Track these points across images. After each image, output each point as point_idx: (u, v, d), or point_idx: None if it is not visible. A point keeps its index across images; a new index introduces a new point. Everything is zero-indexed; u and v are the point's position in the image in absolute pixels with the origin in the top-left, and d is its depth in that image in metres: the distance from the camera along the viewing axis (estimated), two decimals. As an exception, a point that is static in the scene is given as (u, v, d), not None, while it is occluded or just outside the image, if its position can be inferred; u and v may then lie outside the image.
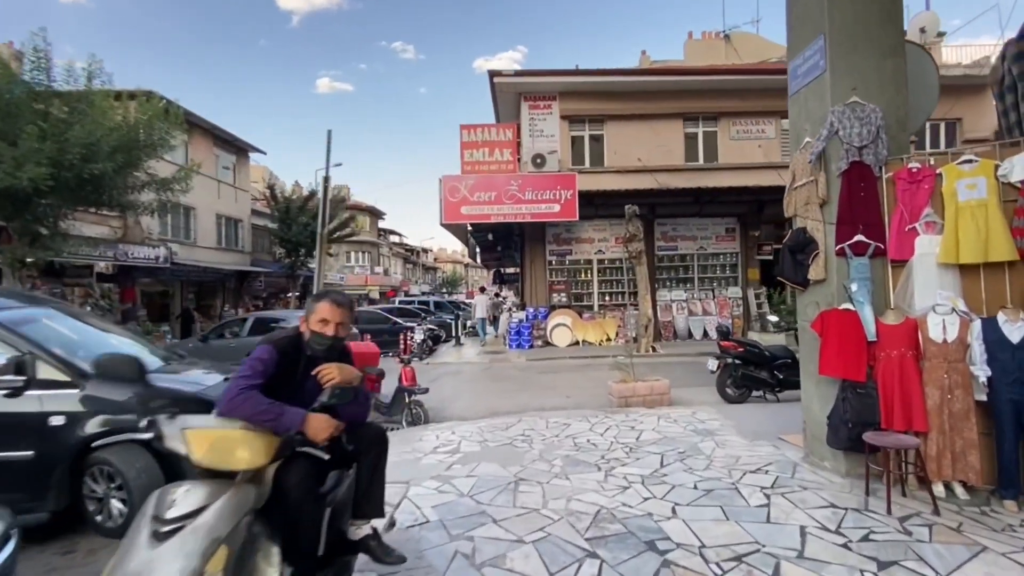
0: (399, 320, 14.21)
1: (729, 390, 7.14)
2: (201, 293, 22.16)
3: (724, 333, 7.30)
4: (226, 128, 21.87)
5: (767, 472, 4.07)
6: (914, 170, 3.70)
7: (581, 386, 8.71)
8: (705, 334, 14.37)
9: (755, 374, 6.99)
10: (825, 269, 4.03)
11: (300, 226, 22.43)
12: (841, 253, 3.85)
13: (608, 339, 13.95)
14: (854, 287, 3.74)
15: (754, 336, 11.99)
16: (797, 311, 4.50)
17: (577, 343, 13.91)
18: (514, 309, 14.79)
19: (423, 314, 17.42)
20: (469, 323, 18.24)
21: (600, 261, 14.89)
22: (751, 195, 13.99)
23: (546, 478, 4.09)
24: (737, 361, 7.04)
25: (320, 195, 13.56)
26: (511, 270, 27.57)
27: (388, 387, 6.37)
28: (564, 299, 14.82)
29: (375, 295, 38.92)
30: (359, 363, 2.39)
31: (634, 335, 13.54)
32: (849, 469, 3.84)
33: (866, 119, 3.78)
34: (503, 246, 18.68)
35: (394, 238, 52.84)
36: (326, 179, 13.08)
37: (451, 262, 72.09)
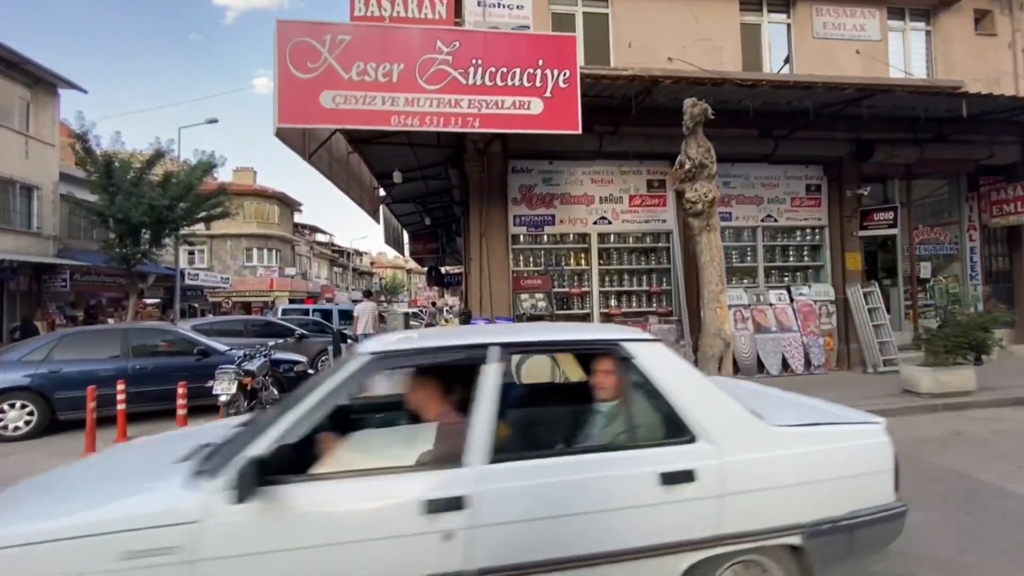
0: (218, 348, 7.05)
1: None
2: (-43, 298, 13.92)
3: None
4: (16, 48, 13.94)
5: None
6: None
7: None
8: (785, 365, 8.23)
9: None
10: None
11: (135, 199, 14.63)
12: None
13: (625, 377, 7.48)
14: None
15: (931, 378, 5.92)
16: None
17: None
18: (449, 318, 7.98)
19: (296, 333, 10.26)
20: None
21: (604, 236, 8.48)
22: (851, 126, 8.08)
23: None
24: None
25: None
26: (455, 270, 20.48)
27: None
28: (541, 304, 8.25)
29: (285, 303, 30.78)
30: None
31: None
32: None
33: None
34: (436, 221, 11.86)
35: (322, 237, 44.90)
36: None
37: (391, 267, 64.44)
